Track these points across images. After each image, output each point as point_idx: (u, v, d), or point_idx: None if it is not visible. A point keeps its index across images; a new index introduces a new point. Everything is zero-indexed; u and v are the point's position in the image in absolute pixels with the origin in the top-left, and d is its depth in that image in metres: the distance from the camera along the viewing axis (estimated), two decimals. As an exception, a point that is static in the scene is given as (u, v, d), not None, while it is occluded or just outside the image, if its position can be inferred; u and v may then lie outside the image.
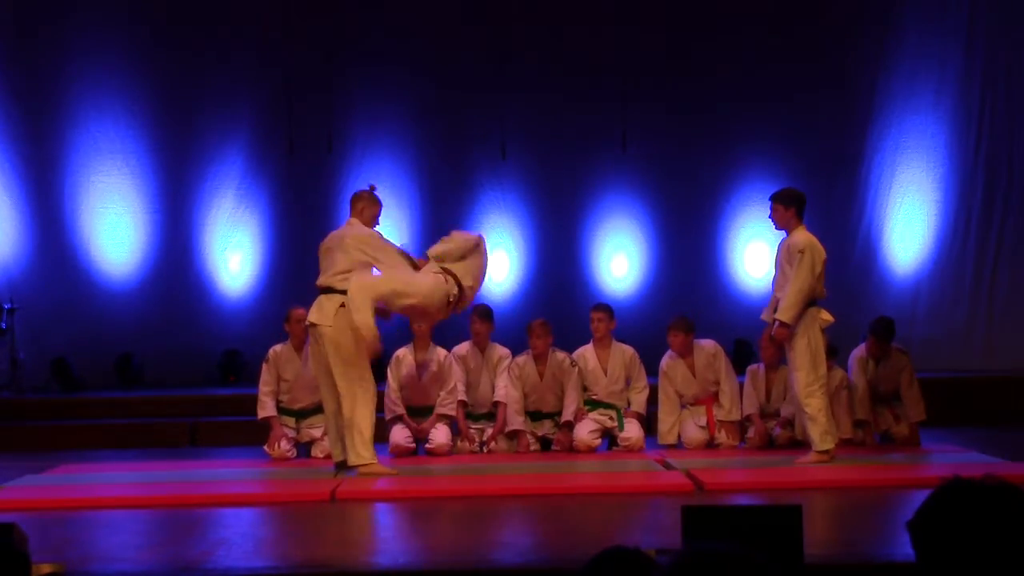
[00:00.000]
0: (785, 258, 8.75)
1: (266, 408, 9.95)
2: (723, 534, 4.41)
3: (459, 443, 9.96)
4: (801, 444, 9.51)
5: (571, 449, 9.88)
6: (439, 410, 10.00)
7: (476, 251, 8.81)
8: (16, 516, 5.91)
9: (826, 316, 8.76)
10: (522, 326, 10.37)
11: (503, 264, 14.00)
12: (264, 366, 10.01)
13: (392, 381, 10.06)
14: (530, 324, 10.15)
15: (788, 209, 8.77)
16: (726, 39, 13.85)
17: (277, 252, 13.98)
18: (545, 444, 10.07)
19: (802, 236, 8.72)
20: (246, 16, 13.88)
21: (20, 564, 2.61)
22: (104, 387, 13.17)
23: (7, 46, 13.59)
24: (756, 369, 10.08)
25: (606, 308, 10.24)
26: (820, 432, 8.64)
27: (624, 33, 13.82)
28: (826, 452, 8.66)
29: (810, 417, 8.65)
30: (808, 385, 8.65)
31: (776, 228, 8.93)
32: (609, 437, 10.09)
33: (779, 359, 9.88)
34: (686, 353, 10.00)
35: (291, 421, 10.01)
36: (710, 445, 9.97)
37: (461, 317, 10.44)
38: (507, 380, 9.98)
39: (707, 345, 10.17)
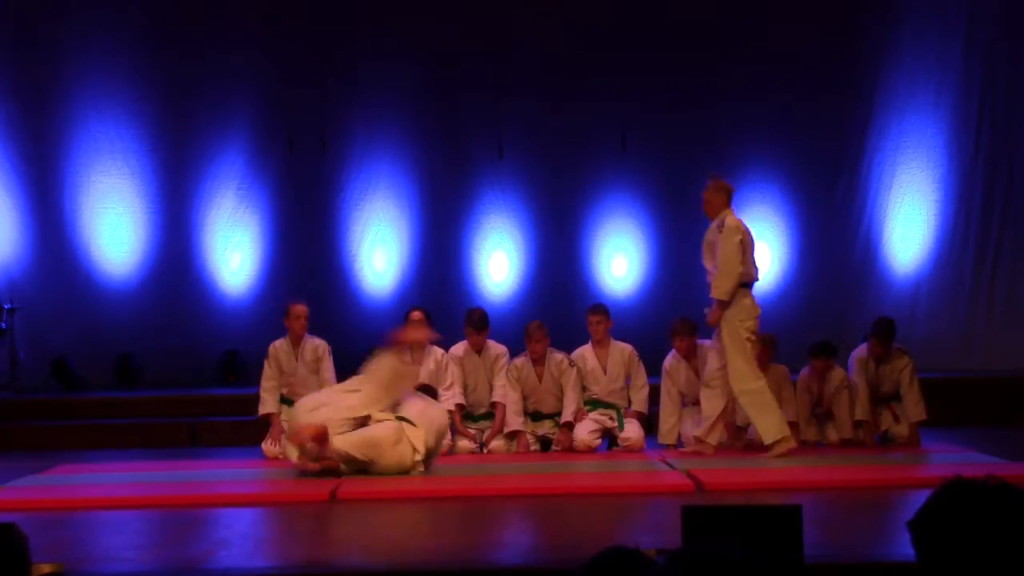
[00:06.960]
0: None
1: (267, 405, 9.99)
2: (723, 534, 4.40)
3: (459, 443, 9.94)
4: (800, 445, 9.52)
5: (571, 449, 9.86)
6: (438, 409, 9.99)
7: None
8: (16, 516, 5.90)
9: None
10: (521, 326, 10.32)
11: (502, 264, 13.99)
12: (266, 361, 10.09)
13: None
14: (527, 328, 10.10)
15: None
16: (726, 39, 13.83)
17: (277, 252, 13.98)
18: (545, 444, 10.05)
19: None
20: (245, 16, 13.87)
21: (20, 564, 2.61)
22: (104, 387, 13.17)
23: (7, 46, 13.59)
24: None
25: (603, 310, 10.21)
26: None
27: (624, 33, 13.81)
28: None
29: None
30: None
31: None
32: (609, 437, 10.07)
33: (770, 360, 9.85)
34: (691, 355, 9.96)
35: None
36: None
37: (457, 323, 10.42)
38: (505, 381, 9.96)
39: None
